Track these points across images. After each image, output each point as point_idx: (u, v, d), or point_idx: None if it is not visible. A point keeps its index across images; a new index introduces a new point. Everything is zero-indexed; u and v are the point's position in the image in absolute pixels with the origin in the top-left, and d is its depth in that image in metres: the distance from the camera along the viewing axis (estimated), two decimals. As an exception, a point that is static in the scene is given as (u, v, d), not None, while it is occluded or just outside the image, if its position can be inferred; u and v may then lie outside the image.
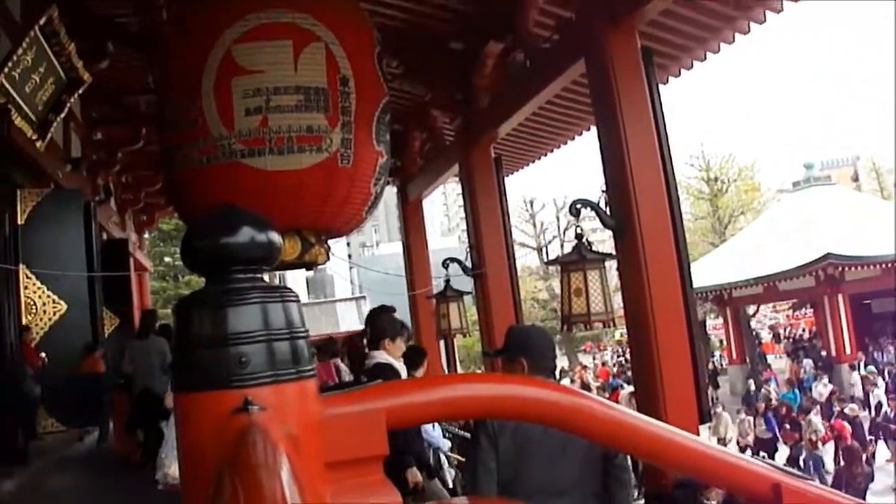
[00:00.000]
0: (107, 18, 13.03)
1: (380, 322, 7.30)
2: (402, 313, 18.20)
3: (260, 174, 8.87)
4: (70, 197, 12.46)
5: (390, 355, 7.02)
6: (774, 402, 24.11)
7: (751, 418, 23.27)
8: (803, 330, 41.35)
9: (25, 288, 10.95)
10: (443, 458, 9.52)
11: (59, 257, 11.30)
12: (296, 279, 44.11)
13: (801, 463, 18.48)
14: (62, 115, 12.30)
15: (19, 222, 10.86)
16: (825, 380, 26.81)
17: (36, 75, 10.78)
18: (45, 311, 11.28)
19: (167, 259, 39.53)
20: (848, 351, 30.13)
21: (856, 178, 64.46)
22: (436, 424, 8.87)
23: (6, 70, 9.88)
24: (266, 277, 2.57)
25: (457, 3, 11.25)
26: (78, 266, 11.71)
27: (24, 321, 10.95)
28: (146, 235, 26.97)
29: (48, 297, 11.24)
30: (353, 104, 9.22)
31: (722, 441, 20.82)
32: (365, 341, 8.49)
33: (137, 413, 11.03)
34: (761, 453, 20.06)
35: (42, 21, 10.32)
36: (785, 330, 45.24)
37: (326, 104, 8.99)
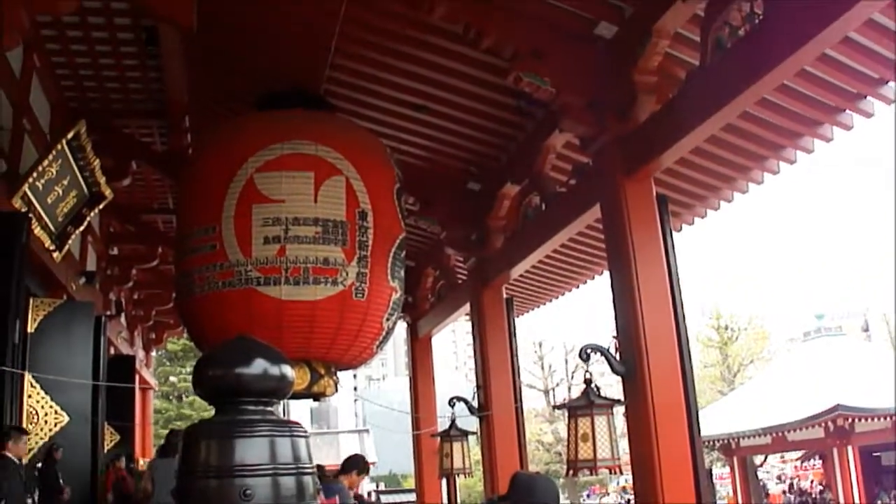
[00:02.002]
0: (133, 138, 13.31)
1: None
2: (406, 448, 18.07)
3: (274, 303, 8.92)
4: (82, 309, 12.44)
5: None
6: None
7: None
8: (811, 482, 40.60)
9: (29, 396, 10.82)
10: None
11: (65, 368, 11.22)
12: (299, 408, 43.83)
13: None
14: (81, 228, 12.43)
15: (29, 330, 10.82)
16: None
17: (59, 187, 10.92)
18: (46, 422, 11.12)
19: (172, 379, 39.36)
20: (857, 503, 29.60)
21: (866, 329, 64.03)
22: None
23: (30, 180, 10.02)
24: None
25: (475, 145, 11.42)
26: (84, 379, 11.63)
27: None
28: (153, 353, 26.89)
29: (51, 407, 11.10)
30: (371, 239, 9.32)
31: None
32: None
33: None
34: None
35: (70, 135, 10.51)
36: (794, 481, 44.38)
37: (344, 238, 9.10)
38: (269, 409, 2.43)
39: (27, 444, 10.61)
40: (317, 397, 10.47)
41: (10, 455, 10.13)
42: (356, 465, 9.34)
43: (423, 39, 9.38)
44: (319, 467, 12.49)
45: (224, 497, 2.23)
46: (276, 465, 2.30)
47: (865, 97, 8.32)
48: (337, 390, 10.37)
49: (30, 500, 11.11)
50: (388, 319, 9.89)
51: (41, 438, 11.10)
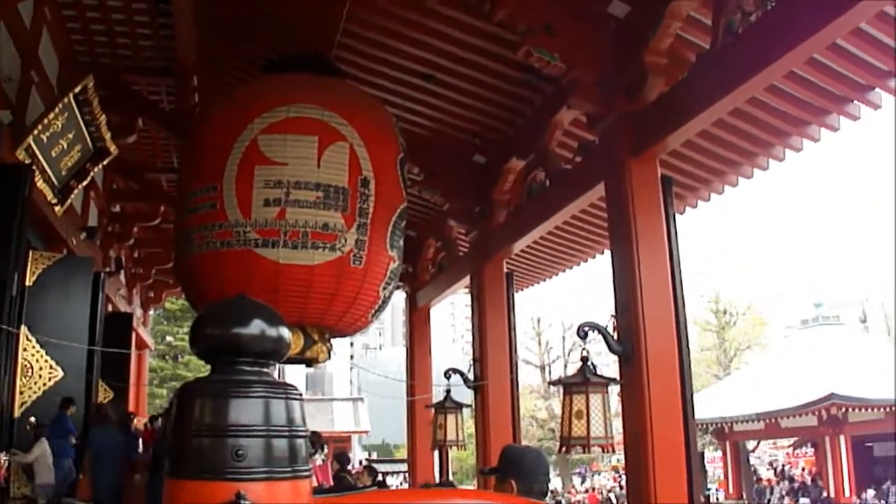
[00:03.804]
0: (140, 95, 13.27)
1: None
2: (399, 418, 18.10)
3: (271, 265, 8.90)
4: (81, 264, 12.45)
5: None
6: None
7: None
8: (802, 470, 40.72)
9: (24, 350, 10.83)
10: None
11: (62, 323, 11.21)
12: (295, 374, 43.96)
13: None
14: (84, 183, 12.42)
15: (28, 283, 10.81)
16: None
17: (64, 141, 10.91)
18: (40, 376, 11.12)
19: (169, 338, 39.41)
20: (847, 493, 29.69)
21: (864, 319, 63.89)
22: None
23: (36, 132, 10.01)
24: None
25: (483, 117, 11.40)
26: (80, 334, 11.62)
27: (18, 383, 10.84)
28: (151, 312, 26.93)
29: (45, 361, 11.11)
30: (372, 207, 9.29)
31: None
32: None
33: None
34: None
35: (77, 89, 10.49)
36: (786, 468, 44.44)
37: (345, 204, 9.07)
38: (265, 370, 2.44)
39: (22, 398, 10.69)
40: (310, 363, 10.46)
41: None
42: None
43: (436, 9, 9.35)
44: (315, 433, 12.60)
45: (216, 456, 2.23)
46: (269, 426, 2.31)
47: (874, 88, 8.31)
48: (330, 357, 10.37)
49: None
50: (384, 288, 9.88)
51: (34, 392, 11.13)
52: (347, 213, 9.11)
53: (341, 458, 13.71)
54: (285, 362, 10.80)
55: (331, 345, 10.28)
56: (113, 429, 10.94)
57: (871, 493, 30.24)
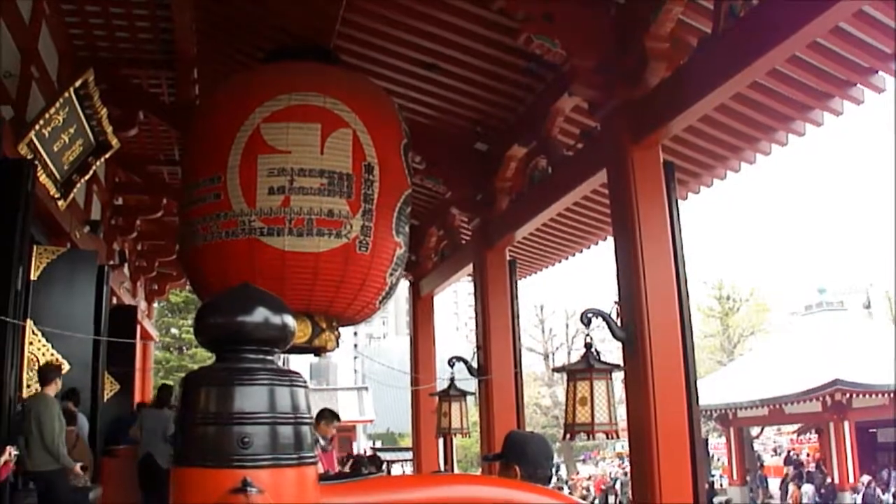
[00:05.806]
0: (141, 88, 13.27)
1: None
2: (404, 407, 18.13)
3: (277, 254, 8.88)
4: (85, 258, 12.46)
5: None
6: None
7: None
8: (807, 456, 40.78)
9: (30, 343, 10.83)
10: None
11: (67, 317, 11.24)
12: (299, 364, 44.03)
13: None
14: (86, 177, 12.42)
15: (32, 278, 10.83)
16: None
17: (65, 135, 10.90)
18: (47, 369, 11.21)
19: (174, 330, 39.44)
20: (851, 479, 29.76)
21: (868, 306, 63.82)
22: None
23: (37, 127, 10.00)
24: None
25: (484, 105, 11.38)
26: (85, 327, 11.64)
27: (24, 377, 10.86)
28: (155, 305, 26.97)
29: (52, 355, 11.13)
30: (376, 193, 9.26)
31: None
32: None
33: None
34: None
35: (77, 83, 10.47)
36: (792, 454, 44.49)
37: (349, 190, 9.04)
38: (269, 358, 2.43)
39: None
40: (317, 352, 10.45)
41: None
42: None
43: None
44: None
45: (222, 444, 2.24)
46: (274, 413, 2.31)
47: (876, 72, 8.28)
48: (338, 345, 10.35)
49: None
50: (391, 274, 9.86)
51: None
52: (352, 199, 9.08)
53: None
54: (293, 351, 10.85)
55: (339, 333, 10.27)
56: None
57: (866, 478, 30.24)
